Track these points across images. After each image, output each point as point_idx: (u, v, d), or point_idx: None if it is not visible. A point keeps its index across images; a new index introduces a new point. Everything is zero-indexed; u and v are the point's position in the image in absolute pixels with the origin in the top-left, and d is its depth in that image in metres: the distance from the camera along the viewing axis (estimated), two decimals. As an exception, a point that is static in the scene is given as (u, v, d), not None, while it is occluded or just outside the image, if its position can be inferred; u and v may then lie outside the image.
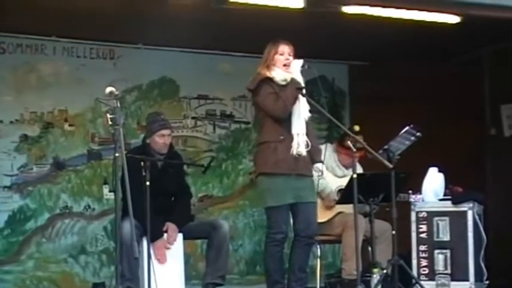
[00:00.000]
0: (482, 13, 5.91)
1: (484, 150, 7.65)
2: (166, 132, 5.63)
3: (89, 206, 6.97)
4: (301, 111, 5.28)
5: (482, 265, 5.97)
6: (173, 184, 5.65)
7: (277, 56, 5.34)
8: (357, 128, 5.83)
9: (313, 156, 5.37)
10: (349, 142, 5.40)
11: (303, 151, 5.25)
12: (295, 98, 5.25)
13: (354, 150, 5.30)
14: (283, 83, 5.29)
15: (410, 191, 5.96)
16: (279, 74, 5.31)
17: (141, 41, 7.05)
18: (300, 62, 5.29)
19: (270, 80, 5.29)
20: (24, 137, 6.80)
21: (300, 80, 5.28)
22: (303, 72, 5.31)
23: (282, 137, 5.24)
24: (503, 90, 7.43)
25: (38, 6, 5.90)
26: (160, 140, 5.60)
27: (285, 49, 5.34)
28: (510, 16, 5.98)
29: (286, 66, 5.31)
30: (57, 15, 6.12)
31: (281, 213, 5.28)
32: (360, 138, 5.49)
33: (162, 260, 5.40)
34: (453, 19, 6.14)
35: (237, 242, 7.36)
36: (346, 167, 6.03)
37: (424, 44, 6.83)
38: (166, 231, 5.50)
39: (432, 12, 5.97)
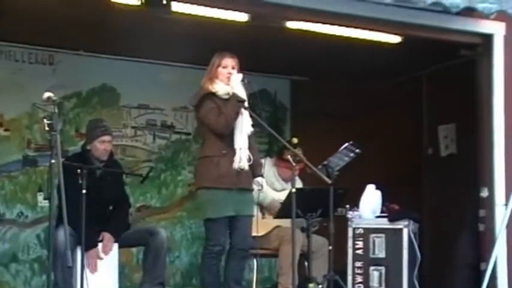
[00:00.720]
0: (422, 34, 6.02)
1: (421, 170, 7.75)
2: (107, 138, 5.58)
3: (22, 213, 6.82)
4: (244, 125, 5.28)
5: (416, 283, 6.03)
6: (111, 193, 5.59)
7: (220, 69, 5.33)
8: (295, 140, 5.84)
9: (254, 170, 5.36)
10: (288, 156, 5.41)
11: (245, 165, 5.24)
12: (237, 113, 5.24)
13: (294, 164, 5.30)
14: (226, 96, 5.27)
15: (347, 206, 6.00)
16: (221, 88, 5.29)
17: (82, 47, 6.94)
18: (240, 76, 5.28)
19: (212, 95, 5.27)
20: (-43, 141, 6.65)
21: (242, 93, 5.27)
22: (243, 86, 5.30)
23: (224, 152, 5.22)
24: (441, 111, 7.55)
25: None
26: (101, 146, 5.53)
27: (228, 62, 5.32)
28: (449, 38, 6.10)
29: (227, 80, 5.29)
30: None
31: (220, 225, 5.25)
32: (298, 150, 5.50)
33: (93, 269, 5.32)
34: (394, 39, 6.23)
35: (173, 254, 7.30)
36: (286, 181, 6.04)
37: (365, 62, 6.90)
38: (101, 241, 5.42)
39: (374, 31, 6.05)
